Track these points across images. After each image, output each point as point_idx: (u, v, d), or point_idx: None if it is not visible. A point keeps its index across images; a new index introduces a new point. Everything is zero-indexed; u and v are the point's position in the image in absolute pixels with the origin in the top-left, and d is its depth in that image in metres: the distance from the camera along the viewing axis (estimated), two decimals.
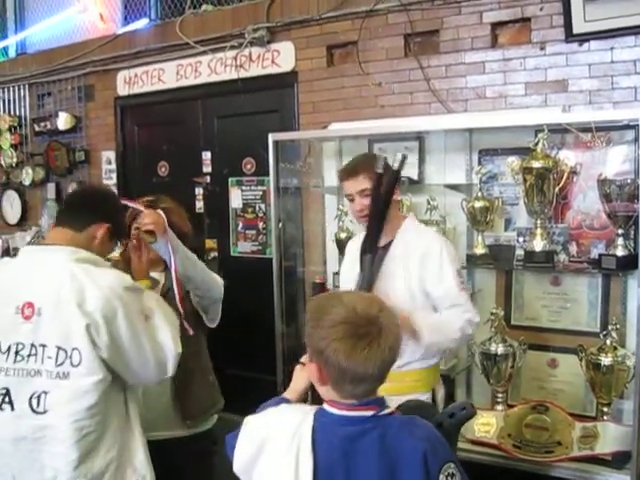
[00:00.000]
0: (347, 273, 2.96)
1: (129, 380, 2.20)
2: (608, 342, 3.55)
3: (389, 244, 2.76)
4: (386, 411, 1.63)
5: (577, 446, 3.56)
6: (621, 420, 3.65)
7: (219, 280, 2.90)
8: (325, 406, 1.63)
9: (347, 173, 2.74)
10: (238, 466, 1.71)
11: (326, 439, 1.58)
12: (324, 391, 1.64)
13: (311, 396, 2.28)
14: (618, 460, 3.44)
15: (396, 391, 2.37)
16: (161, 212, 2.59)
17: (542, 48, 3.83)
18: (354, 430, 1.58)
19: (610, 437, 3.53)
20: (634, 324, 3.35)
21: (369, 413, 1.60)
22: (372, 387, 1.62)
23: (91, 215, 2.29)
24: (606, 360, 3.51)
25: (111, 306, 2.06)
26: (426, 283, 2.68)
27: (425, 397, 2.74)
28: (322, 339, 1.55)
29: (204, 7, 5.14)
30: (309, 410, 1.65)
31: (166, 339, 2.19)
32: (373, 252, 2.63)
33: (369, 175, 2.62)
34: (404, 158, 2.59)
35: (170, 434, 2.75)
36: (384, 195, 2.57)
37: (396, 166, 2.57)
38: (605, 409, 3.64)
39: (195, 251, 2.84)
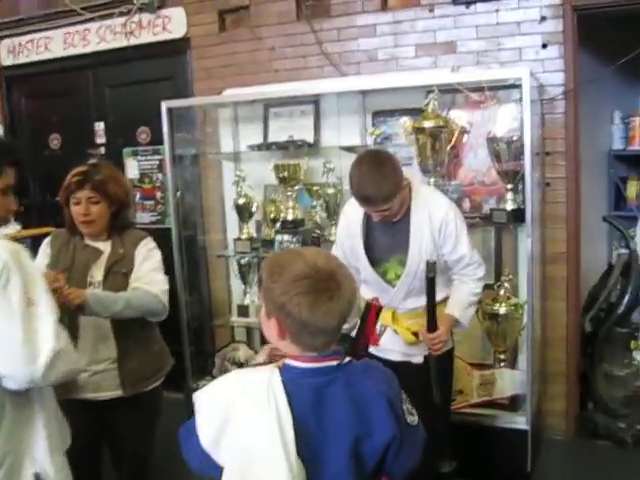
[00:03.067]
0: (353, 241, 2.98)
1: None
2: (502, 292, 3.72)
3: (406, 216, 2.83)
4: (346, 359, 1.67)
5: (477, 393, 3.73)
6: (516, 366, 3.85)
7: (159, 297, 2.75)
8: (288, 361, 1.64)
9: (366, 203, 2.73)
10: (206, 440, 1.64)
11: (296, 391, 1.59)
12: (283, 345, 1.65)
13: None
14: (515, 404, 3.64)
15: None
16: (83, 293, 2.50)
17: (431, 10, 3.91)
18: (322, 380, 1.61)
19: (507, 382, 3.73)
20: (525, 274, 3.52)
21: (334, 363, 1.64)
22: (331, 339, 1.65)
23: None
24: (501, 310, 3.68)
25: None
26: (443, 249, 2.88)
27: None
28: (283, 293, 1.55)
29: None
30: (270, 367, 1.65)
31: (45, 332, 1.97)
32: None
33: (387, 201, 2.66)
34: (434, 264, 2.72)
35: (112, 394, 2.73)
36: (431, 302, 2.78)
37: (431, 275, 2.71)
38: (501, 356, 3.83)
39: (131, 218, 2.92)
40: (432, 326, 2.79)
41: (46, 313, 1.99)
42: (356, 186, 2.70)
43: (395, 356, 2.94)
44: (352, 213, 2.97)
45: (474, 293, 2.96)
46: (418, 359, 2.94)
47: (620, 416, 3.89)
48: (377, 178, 2.63)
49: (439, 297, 2.86)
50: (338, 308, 1.59)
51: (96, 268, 2.73)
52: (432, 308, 2.78)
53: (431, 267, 2.69)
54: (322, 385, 1.61)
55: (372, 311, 2.90)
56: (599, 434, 3.93)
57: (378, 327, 2.94)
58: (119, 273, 2.73)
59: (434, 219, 2.82)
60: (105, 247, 2.78)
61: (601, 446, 3.88)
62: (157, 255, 2.86)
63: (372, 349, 2.97)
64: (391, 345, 2.97)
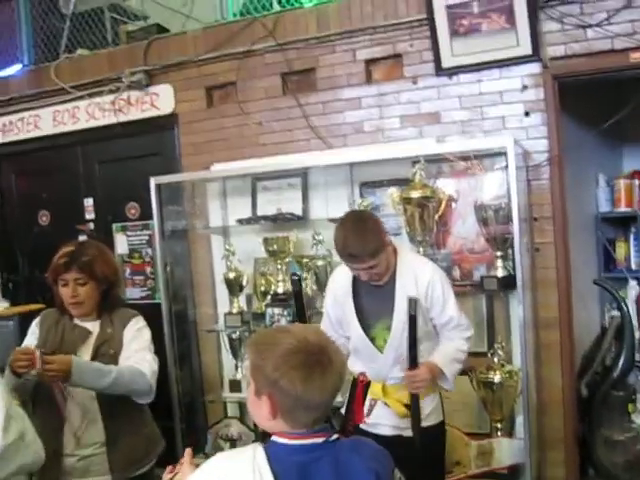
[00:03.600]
0: (343, 309, 2.96)
1: None
2: (496, 360, 3.70)
3: (391, 280, 2.83)
4: (334, 436, 1.65)
5: (474, 463, 3.67)
6: (513, 434, 3.80)
7: (147, 378, 2.66)
8: (273, 438, 1.62)
9: (352, 258, 2.73)
10: None
11: (282, 468, 1.56)
12: (272, 425, 1.62)
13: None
14: (514, 473, 3.57)
15: (423, 394, 2.85)
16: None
17: (414, 82, 3.98)
18: (308, 457, 1.59)
19: (505, 452, 3.67)
20: (519, 341, 3.50)
21: (320, 440, 1.61)
22: (322, 415, 1.65)
23: None
24: (495, 378, 3.65)
25: None
26: (431, 312, 2.86)
27: (436, 397, 3.00)
28: (276, 369, 1.55)
29: (79, 51, 5.05)
30: (253, 446, 1.64)
31: None
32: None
33: (372, 257, 2.68)
34: (415, 301, 2.75)
35: (100, 479, 2.67)
36: (412, 334, 2.75)
37: (412, 312, 2.73)
38: (498, 425, 3.78)
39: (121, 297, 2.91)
40: (413, 364, 2.75)
41: None
42: (341, 244, 2.72)
43: (386, 430, 2.88)
44: (339, 279, 2.98)
45: (460, 350, 2.90)
46: (410, 432, 2.87)
47: None
48: (361, 233, 2.68)
49: None
50: (331, 382, 1.59)
51: (84, 349, 2.71)
52: (413, 346, 2.73)
53: (412, 304, 2.70)
54: (307, 462, 1.59)
55: (359, 387, 2.87)
56: None
57: (368, 401, 2.89)
58: (107, 354, 2.70)
59: (420, 283, 2.82)
60: (94, 327, 2.76)
61: None
62: (146, 334, 2.83)
63: (362, 425, 2.91)
64: (382, 419, 2.91)
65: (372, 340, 2.88)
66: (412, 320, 2.72)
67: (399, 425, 2.89)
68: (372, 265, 2.70)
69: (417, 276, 2.82)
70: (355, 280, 2.89)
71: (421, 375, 2.75)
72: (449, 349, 2.89)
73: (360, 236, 2.68)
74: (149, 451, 2.85)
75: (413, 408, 2.82)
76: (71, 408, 2.63)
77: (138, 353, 2.72)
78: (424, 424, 2.86)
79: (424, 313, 2.83)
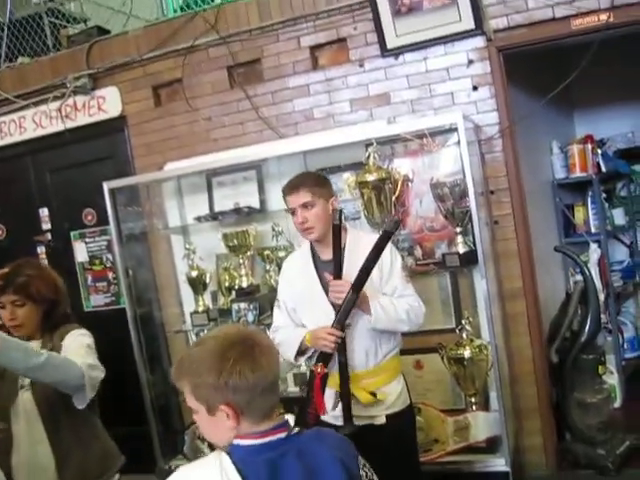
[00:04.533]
0: (301, 288, 2.91)
1: None
2: (464, 336, 3.71)
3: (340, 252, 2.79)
4: (296, 429, 1.66)
5: (452, 440, 3.70)
6: (489, 407, 3.83)
7: (76, 367, 2.49)
8: (235, 442, 1.61)
9: (289, 188, 2.82)
10: None
11: (250, 470, 1.56)
12: (235, 433, 1.61)
13: None
14: (492, 445, 3.60)
15: (384, 382, 2.85)
16: None
17: (361, 65, 3.97)
18: (274, 454, 1.59)
19: (481, 425, 3.70)
20: (485, 315, 3.52)
21: (283, 434, 1.62)
22: (276, 396, 1.67)
23: None
24: (465, 353, 3.66)
25: None
26: (379, 281, 2.82)
27: (401, 380, 2.94)
28: (220, 373, 1.54)
29: (20, 60, 4.95)
30: (215, 454, 1.62)
31: None
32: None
33: (309, 189, 2.77)
34: (397, 222, 2.77)
35: None
36: (373, 252, 2.67)
37: (388, 228, 2.70)
38: (473, 400, 3.80)
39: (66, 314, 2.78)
40: (338, 274, 2.72)
41: None
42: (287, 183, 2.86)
43: (355, 420, 2.81)
44: (291, 263, 3.02)
45: (401, 307, 2.78)
46: (380, 420, 2.84)
47: (598, 443, 3.86)
48: (306, 173, 3.03)
49: (383, 351, 2.84)
50: (273, 360, 1.63)
51: None
52: (338, 256, 2.71)
53: (336, 214, 2.69)
54: (274, 459, 1.59)
55: (317, 379, 2.84)
56: (580, 464, 3.88)
57: (333, 394, 2.83)
58: None
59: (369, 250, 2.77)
60: (37, 348, 2.60)
61: (584, 475, 3.84)
62: (85, 340, 2.70)
63: (329, 417, 2.84)
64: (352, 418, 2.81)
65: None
66: (335, 229, 2.68)
67: (368, 414, 2.84)
68: (306, 203, 2.76)
69: (366, 250, 2.75)
70: (314, 256, 2.89)
71: (344, 286, 2.68)
72: (388, 299, 2.80)
73: (304, 174, 2.98)
74: (105, 467, 2.73)
75: (342, 391, 2.77)
76: (17, 432, 2.56)
77: (74, 350, 2.58)
78: (392, 410, 2.84)
79: (374, 284, 2.78)
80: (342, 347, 2.72)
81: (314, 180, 2.85)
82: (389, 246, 2.82)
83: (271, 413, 1.64)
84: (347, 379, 2.75)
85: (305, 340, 2.80)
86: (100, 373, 2.60)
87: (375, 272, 2.76)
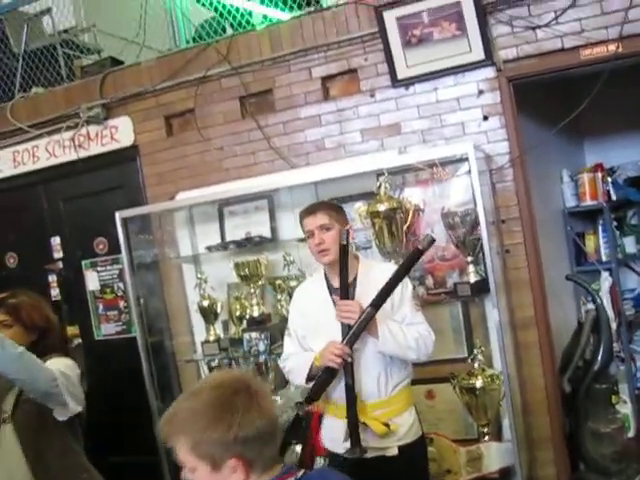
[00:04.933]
0: (313, 315, 2.93)
1: None
2: (476, 365, 3.69)
3: (353, 281, 2.84)
4: (301, 472, 1.63)
5: (465, 470, 3.66)
6: (501, 437, 3.79)
7: (48, 371, 2.52)
8: None
9: (307, 212, 2.90)
10: None
11: None
12: None
13: None
14: (505, 476, 3.56)
15: (396, 413, 2.84)
16: None
17: (372, 95, 3.99)
18: None
19: (494, 456, 3.66)
20: (497, 344, 3.51)
21: (292, 479, 1.59)
22: (278, 443, 1.64)
23: None
24: (477, 383, 3.63)
25: None
26: (390, 308, 2.82)
27: (412, 411, 2.93)
28: (229, 427, 1.46)
29: (34, 90, 5.00)
30: None
31: None
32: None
33: (327, 212, 2.85)
34: (432, 240, 2.76)
35: None
36: (403, 269, 2.76)
37: (421, 246, 2.75)
38: (485, 430, 3.76)
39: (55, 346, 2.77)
40: (345, 295, 2.75)
41: None
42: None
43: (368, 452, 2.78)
44: (307, 287, 3.07)
45: (411, 335, 2.77)
46: (393, 451, 2.81)
47: (613, 473, 3.81)
48: (323, 201, 3.16)
49: (394, 380, 2.84)
50: (272, 403, 1.62)
51: (7, 400, 2.64)
52: (345, 277, 2.74)
53: (344, 234, 2.73)
54: None
55: (314, 418, 2.83)
56: None
57: (344, 427, 2.79)
58: (29, 401, 2.59)
59: (381, 282, 2.77)
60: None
61: None
62: (69, 363, 2.73)
63: (342, 450, 2.80)
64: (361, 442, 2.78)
65: None
66: (343, 249, 2.72)
67: (380, 445, 2.81)
68: (324, 225, 2.80)
69: (377, 278, 2.80)
70: (327, 282, 2.92)
71: (353, 307, 2.71)
72: (397, 326, 2.80)
73: (321, 201, 3.11)
74: None
75: (349, 415, 2.75)
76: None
77: (52, 365, 2.60)
78: (404, 442, 2.83)
79: (386, 314, 2.79)
80: (350, 369, 2.72)
81: (331, 206, 2.98)
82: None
83: (275, 456, 1.59)
84: (354, 402, 2.74)
85: (315, 361, 2.79)
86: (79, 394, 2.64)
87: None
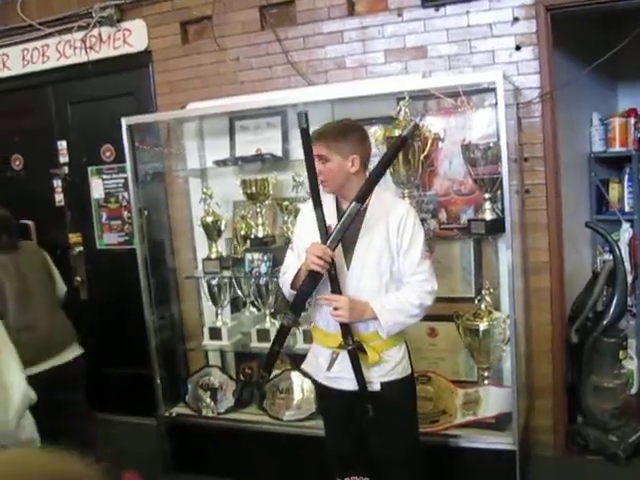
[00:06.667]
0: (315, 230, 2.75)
1: None
2: (483, 307, 3.58)
3: (362, 213, 2.69)
4: None
5: (461, 412, 3.58)
6: (501, 382, 3.70)
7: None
8: None
9: (313, 137, 2.68)
10: None
11: None
12: None
13: None
14: (501, 422, 3.48)
15: (384, 346, 2.71)
16: None
17: (399, 15, 3.77)
18: None
19: (492, 400, 3.57)
20: (507, 286, 3.37)
21: None
22: None
23: None
24: (482, 325, 3.52)
25: None
26: (400, 250, 2.68)
27: (402, 347, 2.81)
28: None
29: None
30: None
31: (16, 380, 1.91)
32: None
33: (325, 143, 2.66)
34: (415, 126, 2.67)
35: None
36: (386, 157, 2.66)
37: (405, 133, 2.66)
38: (485, 373, 3.68)
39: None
40: (316, 202, 2.62)
41: (12, 361, 1.93)
42: None
43: (348, 385, 2.70)
44: (307, 210, 2.86)
45: (410, 302, 2.66)
46: (375, 387, 2.71)
47: (611, 429, 3.75)
48: (335, 123, 2.80)
49: None
50: None
51: None
52: (314, 185, 2.60)
53: (302, 117, 2.54)
54: None
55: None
56: (590, 449, 3.78)
57: (328, 355, 2.74)
58: None
59: (393, 217, 2.67)
60: None
61: (592, 461, 3.74)
62: None
63: (322, 379, 2.79)
64: (343, 373, 2.72)
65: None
66: (304, 133, 2.57)
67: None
68: (321, 156, 2.65)
69: (389, 211, 2.68)
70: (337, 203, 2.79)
71: (340, 302, 2.60)
72: (394, 298, 2.68)
73: (329, 124, 2.78)
74: None
75: (353, 365, 2.66)
76: None
77: None
78: (389, 378, 2.72)
79: (390, 250, 2.68)
80: (334, 277, 2.62)
81: (334, 135, 2.68)
82: (414, 216, 2.71)
83: None
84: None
85: (303, 266, 2.69)
86: None
87: (392, 235, 2.66)
